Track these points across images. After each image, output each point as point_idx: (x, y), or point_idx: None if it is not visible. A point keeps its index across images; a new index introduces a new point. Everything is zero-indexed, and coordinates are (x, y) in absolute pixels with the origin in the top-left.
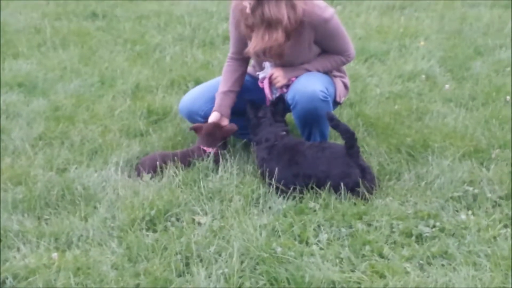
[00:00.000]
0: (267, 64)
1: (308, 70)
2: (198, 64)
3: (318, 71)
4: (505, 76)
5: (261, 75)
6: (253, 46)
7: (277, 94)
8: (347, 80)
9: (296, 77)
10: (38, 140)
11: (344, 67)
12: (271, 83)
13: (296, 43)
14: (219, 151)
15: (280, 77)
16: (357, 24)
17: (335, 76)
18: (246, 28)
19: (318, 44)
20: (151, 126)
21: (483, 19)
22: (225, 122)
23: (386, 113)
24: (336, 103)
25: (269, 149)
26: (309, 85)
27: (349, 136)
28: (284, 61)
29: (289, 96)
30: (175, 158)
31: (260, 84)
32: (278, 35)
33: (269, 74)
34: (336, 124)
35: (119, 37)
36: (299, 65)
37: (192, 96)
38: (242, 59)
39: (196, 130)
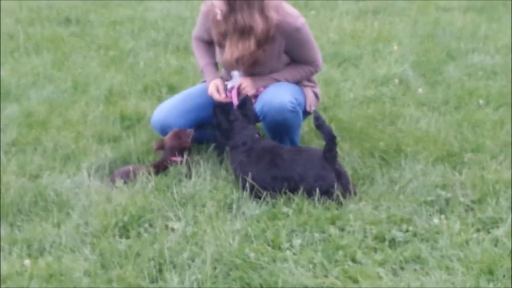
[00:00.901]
0: (235, 74)
1: (277, 80)
2: (172, 70)
3: (288, 80)
4: (477, 80)
5: (229, 84)
6: (229, 54)
7: None
8: (317, 90)
9: (265, 87)
10: (11, 146)
11: (315, 77)
12: (239, 93)
13: (267, 51)
14: (186, 159)
15: (248, 87)
16: (330, 28)
17: (305, 86)
18: (218, 35)
19: (287, 52)
20: (124, 132)
21: (456, 23)
22: (222, 85)
23: (359, 117)
24: (306, 113)
25: (247, 152)
26: (278, 96)
27: (330, 139)
28: (253, 70)
29: (257, 108)
30: (149, 169)
31: (228, 94)
32: (251, 43)
33: (237, 83)
34: (321, 125)
35: (93, 42)
36: (268, 74)
37: (165, 110)
38: (207, 42)
39: (161, 148)
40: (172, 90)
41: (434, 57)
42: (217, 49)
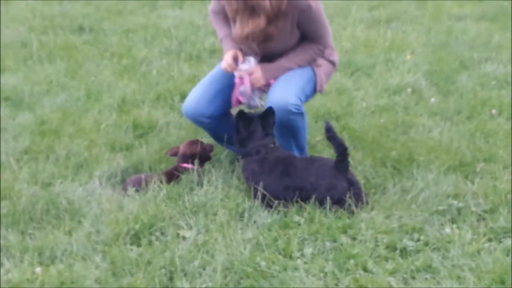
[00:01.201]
0: (251, 60)
1: (288, 68)
2: (185, 78)
3: (298, 65)
4: (490, 90)
5: (242, 66)
6: (239, 32)
7: (256, 93)
8: (335, 57)
9: (275, 77)
10: (24, 154)
11: (333, 43)
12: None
13: (279, 27)
14: (197, 167)
15: (259, 78)
16: (343, 37)
17: (318, 66)
18: (232, 12)
19: (299, 27)
20: (137, 140)
21: (469, 32)
22: (241, 56)
23: (371, 126)
24: (315, 91)
25: (260, 161)
26: (283, 95)
27: (342, 150)
28: (266, 45)
29: (266, 106)
30: (160, 178)
31: (236, 80)
32: (261, 21)
33: (248, 73)
34: (332, 136)
35: (106, 50)
36: (281, 49)
37: (195, 98)
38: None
39: (174, 154)
40: (185, 98)
41: (447, 67)
42: (232, 25)
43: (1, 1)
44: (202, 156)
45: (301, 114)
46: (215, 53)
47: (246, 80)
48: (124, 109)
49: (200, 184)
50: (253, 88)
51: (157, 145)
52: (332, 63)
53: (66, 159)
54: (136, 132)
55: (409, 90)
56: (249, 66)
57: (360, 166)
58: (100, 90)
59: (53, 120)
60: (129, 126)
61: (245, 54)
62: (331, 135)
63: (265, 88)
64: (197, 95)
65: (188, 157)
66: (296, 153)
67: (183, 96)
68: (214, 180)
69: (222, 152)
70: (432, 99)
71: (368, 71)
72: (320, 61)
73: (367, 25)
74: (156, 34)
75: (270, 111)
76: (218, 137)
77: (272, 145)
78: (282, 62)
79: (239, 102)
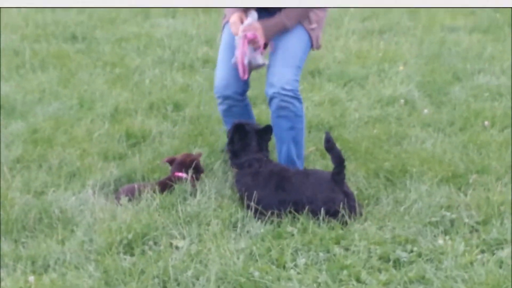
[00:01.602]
0: (255, 14)
1: (286, 26)
2: (178, 87)
3: (297, 21)
4: (483, 101)
5: (246, 21)
6: None
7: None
8: None
9: (274, 34)
10: (16, 163)
11: None
12: (249, 43)
13: None
14: (193, 177)
15: (259, 36)
16: (336, 48)
17: (312, 28)
18: None
19: None
20: (129, 150)
21: (462, 44)
22: (245, 17)
23: (364, 137)
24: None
25: (253, 175)
26: (280, 79)
27: (339, 162)
28: None
29: (265, 89)
30: (154, 187)
31: (243, 37)
32: None
33: (252, 28)
34: (331, 147)
35: (99, 59)
36: None
37: (222, 78)
38: None
39: (170, 162)
40: (178, 108)
41: (440, 78)
42: None
43: None
44: (198, 167)
45: (297, 98)
46: (208, 63)
47: (257, 35)
48: (117, 118)
49: (193, 194)
50: (255, 46)
51: (150, 155)
52: (324, 9)
53: (59, 168)
54: (129, 141)
55: (402, 101)
56: (253, 20)
57: (353, 177)
58: (93, 99)
59: (46, 128)
60: (122, 135)
61: (247, 10)
62: (330, 145)
63: (262, 49)
64: (223, 75)
65: (185, 165)
66: (292, 148)
67: (176, 106)
68: (207, 190)
69: (215, 162)
70: (425, 110)
71: (361, 82)
72: (314, 17)
73: (360, 36)
74: (149, 43)
75: (268, 128)
76: None
77: (265, 158)
78: (282, 18)
79: (249, 70)
